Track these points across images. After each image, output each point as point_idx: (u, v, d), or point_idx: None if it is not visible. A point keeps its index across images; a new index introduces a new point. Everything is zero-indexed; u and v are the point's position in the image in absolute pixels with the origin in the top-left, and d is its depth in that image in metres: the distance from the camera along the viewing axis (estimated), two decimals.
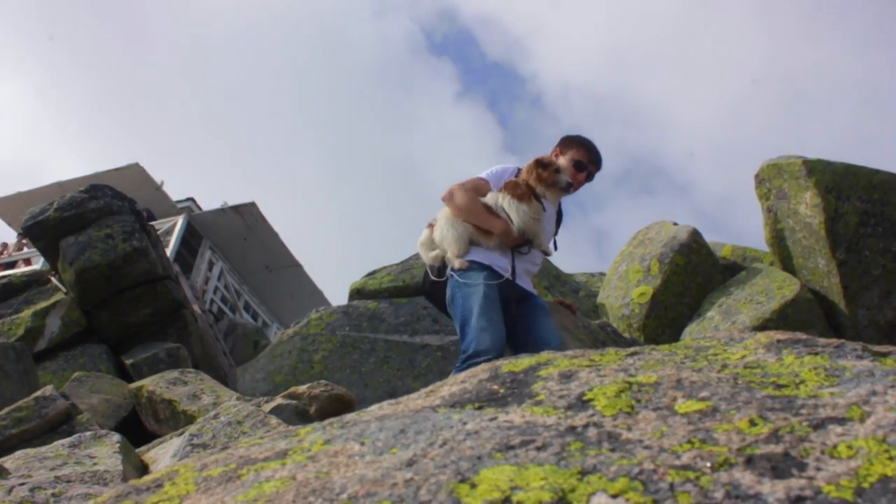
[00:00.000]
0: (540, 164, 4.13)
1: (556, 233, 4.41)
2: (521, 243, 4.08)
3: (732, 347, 1.72)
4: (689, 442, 1.20)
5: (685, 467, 1.12)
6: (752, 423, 1.24)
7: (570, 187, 4.14)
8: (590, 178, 4.37)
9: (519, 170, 4.24)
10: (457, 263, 4.00)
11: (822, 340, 1.65)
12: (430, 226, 4.22)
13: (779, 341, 1.67)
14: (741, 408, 1.30)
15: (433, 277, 4.23)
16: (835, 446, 1.14)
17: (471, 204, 4.04)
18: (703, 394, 1.39)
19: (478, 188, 4.14)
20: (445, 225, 4.09)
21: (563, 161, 4.27)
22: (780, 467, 1.10)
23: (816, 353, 1.57)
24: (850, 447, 1.13)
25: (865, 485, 1.03)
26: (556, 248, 4.39)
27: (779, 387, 1.40)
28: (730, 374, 1.49)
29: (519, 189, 4.08)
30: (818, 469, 1.09)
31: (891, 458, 1.08)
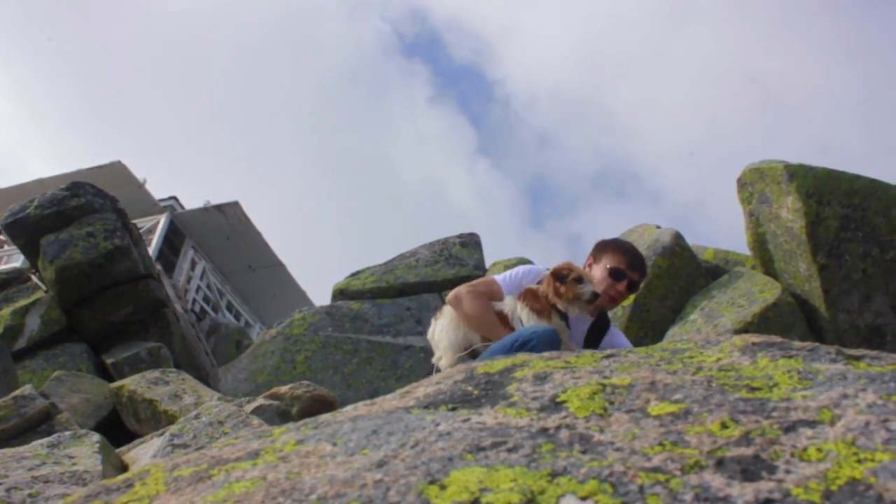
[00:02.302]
0: (557, 276, 3.55)
1: (601, 337, 3.76)
2: None
3: (708, 350, 1.72)
4: (661, 444, 1.20)
5: (655, 469, 1.12)
6: (724, 426, 1.24)
7: (595, 298, 3.51)
8: (632, 287, 3.77)
9: (544, 272, 3.67)
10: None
11: (797, 344, 1.66)
12: (437, 318, 3.77)
13: (754, 344, 1.67)
14: (713, 410, 1.31)
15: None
16: (805, 449, 1.14)
17: (481, 313, 3.54)
18: (677, 396, 1.39)
19: (491, 293, 3.63)
20: (446, 326, 3.63)
21: (597, 271, 3.73)
22: (750, 470, 1.10)
23: (791, 357, 1.57)
24: (819, 450, 1.13)
25: (834, 487, 1.04)
26: None
27: (752, 389, 1.40)
28: (704, 377, 1.49)
29: (537, 303, 3.54)
30: (788, 472, 1.09)
31: (859, 461, 1.08)
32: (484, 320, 3.51)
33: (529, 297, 3.55)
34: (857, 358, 1.53)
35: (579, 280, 3.50)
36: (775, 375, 1.46)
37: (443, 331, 3.62)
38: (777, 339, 1.71)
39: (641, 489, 1.06)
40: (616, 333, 3.81)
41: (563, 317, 3.52)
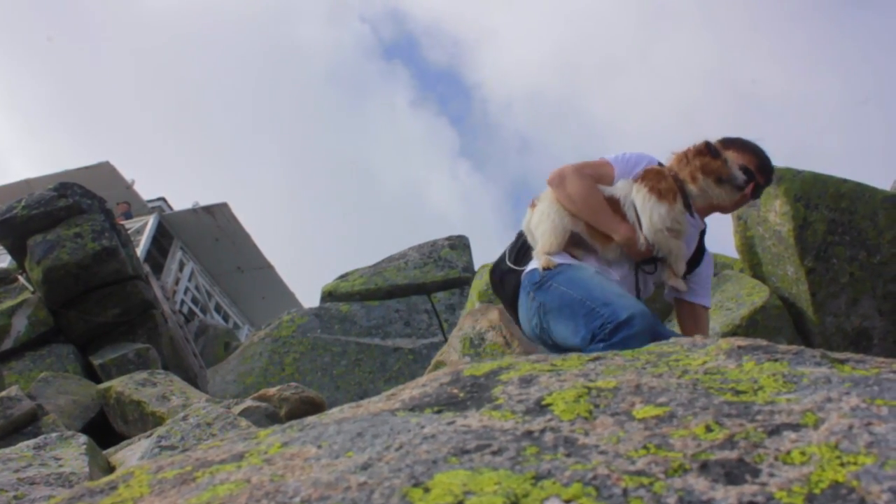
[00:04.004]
0: (710, 148, 3.01)
1: (696, 265, 3.25)
2: (647, 259, 3.06)
3: (694, 353, 1.73)
4: (645, 447, 1.20)
5: (639, 473, 1.12)
6: (708, 429, 1.24)
7: (748, 184, 3.03)
8: (756, 192, 3.22)
9: (660, 164, 3.17)
10: (541, 261, 3.04)
11: (783, 347, 1.67)
12: (533, 204, 3.25)
13: (739, 347, 1.68)
14: (698, 413, 1.31)
15: (509, 263, 3.30)
16: (788, 452, 1.15)
17: (588, 195, 3.01)
18: (662, 399, 1.39)
19: (599, 175, 3.10)
20: (545, 210, 3.11)
21: None
22: (733, 473, 1.11)
23: (776, 360, 1.58)
24: (803, 453, 1.14)
25: (817, 490, 1.04)
26: (694, 289, 3.23)
27: (737, 393, 1.41)
28: (689, 380, 1.50)
29: (663, 182, 3.00)
30: (771, 475, 1.09)
31: (842, 465, 1.09)
32: (590, 203, 3.00)
33: (651, 175, 3.04)
34: (842, 361, 1.54)
35: (730, 162, 3.02)
36: (760, 379, 1.47)
37: (544, 214, 3.10)
38: (763, 342, 1.72)
39: (625, 492, 1.07)
40: (708, 253, 3.36)
41: (688, 206, 3.04)
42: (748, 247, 6.76)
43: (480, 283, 7.47)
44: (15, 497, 2.75)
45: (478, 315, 5.75)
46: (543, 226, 3.08)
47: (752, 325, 6.06)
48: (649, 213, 2.95)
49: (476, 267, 9.82)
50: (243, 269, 18.75)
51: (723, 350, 1.69)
